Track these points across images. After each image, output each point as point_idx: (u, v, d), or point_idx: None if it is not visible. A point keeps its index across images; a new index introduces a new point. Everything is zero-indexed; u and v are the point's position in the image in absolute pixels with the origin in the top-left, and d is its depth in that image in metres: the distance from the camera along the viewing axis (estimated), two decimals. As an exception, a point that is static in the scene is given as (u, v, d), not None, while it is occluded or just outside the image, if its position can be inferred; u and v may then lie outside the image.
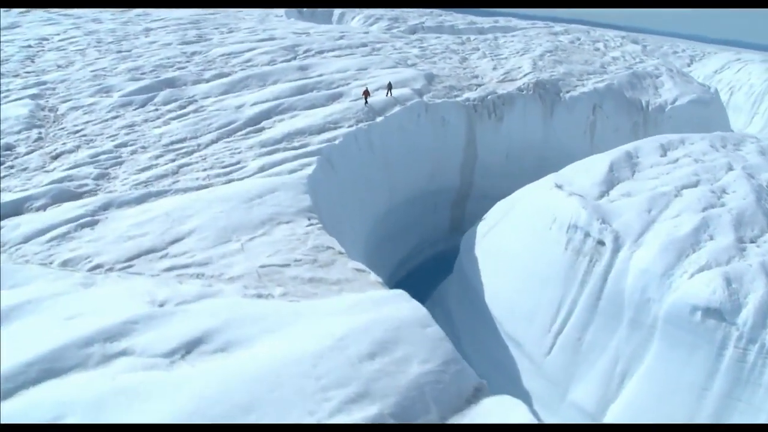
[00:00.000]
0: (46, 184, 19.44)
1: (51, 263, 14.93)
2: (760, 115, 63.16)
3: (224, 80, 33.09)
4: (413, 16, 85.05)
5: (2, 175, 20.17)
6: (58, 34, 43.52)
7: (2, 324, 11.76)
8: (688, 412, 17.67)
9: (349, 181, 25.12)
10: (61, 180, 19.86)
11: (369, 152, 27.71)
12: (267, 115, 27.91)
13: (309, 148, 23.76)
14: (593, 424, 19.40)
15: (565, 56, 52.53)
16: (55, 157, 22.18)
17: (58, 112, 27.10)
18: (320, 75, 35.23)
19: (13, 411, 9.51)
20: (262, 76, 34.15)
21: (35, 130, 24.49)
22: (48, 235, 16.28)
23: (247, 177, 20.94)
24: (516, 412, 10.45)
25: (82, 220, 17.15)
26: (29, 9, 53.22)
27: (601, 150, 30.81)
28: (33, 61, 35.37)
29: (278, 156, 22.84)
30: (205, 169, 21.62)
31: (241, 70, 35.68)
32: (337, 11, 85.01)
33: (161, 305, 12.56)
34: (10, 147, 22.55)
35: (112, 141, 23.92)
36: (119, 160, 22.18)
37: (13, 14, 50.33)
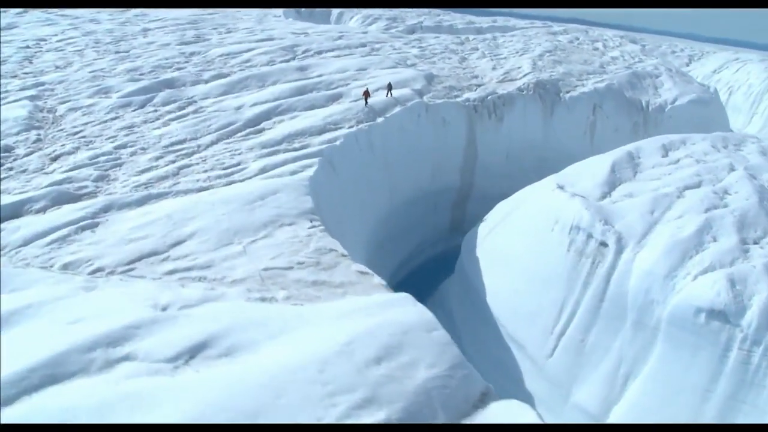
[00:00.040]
0: (46, 186, 19.32)
1: (51, 266, 14.82)
2: (759, 114, 63.17)
3: (223, 81, 32.95)
4: (411, 15, 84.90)
5: (1, 177, 20.05)
6: (56, 35, 43.36)
7: (3, 329, 11.63)
8: (692, 414, 17.61)
9: (350, 182, 25.02)
10: (60, 182, 19.74)
11: (370, 153, 27.60)
12: (267, 116, 27.79)
13: (310, 150, 23.65)
14: (594, 424, 19.32)
15: (564, 56, 52.45)
16: (54, 159, 22.04)
17: (57, 114, 26.96)
18: (320, 75, 35.10)
19: (15, 417, 9.40)
20: (261, 76, 34.01)
21: (34, 132, 24.35)
22: (48, 238, 16.17)
23: (248, 179, 20.84)
24: (524, 417, 10.36)
25: (82, 223, 17.04)
26: (26, 9, 53.00)
27: (601, 150, 30.77)
28: (31, 62, 35.22)
29: (279, 157, 22.73)
30: (205, 171, 21.50)
31: (240, 70, 35.54)
32: (335, 11, 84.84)
33: (164, 309, 12.44)
34: (8, 149, 22.41)
35: (112, 142, 23.79)
36: (119, 161, 22.05)
37: (11, 15, 50.12)
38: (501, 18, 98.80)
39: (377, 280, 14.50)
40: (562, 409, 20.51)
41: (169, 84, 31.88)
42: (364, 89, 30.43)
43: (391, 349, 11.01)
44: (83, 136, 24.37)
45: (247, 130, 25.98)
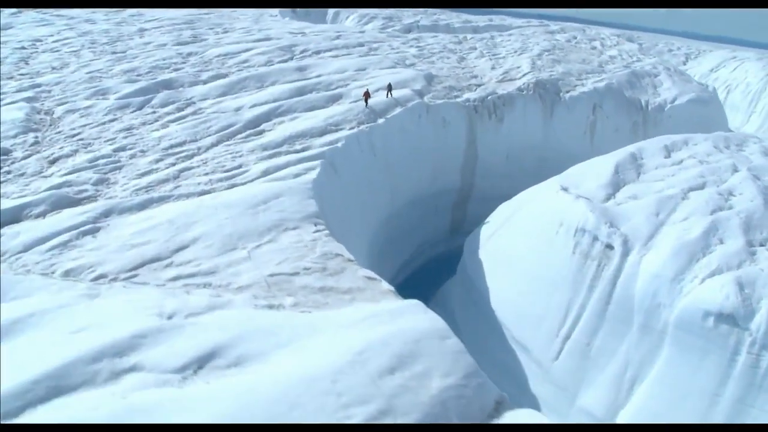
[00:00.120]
0: (45, 190, 18.99)
1: (53, 273, 14.53)
2: (757, 113, 63.17)
3: (222, 81, 32.65)
4: (408, 15, 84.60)
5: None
6: (52, 35, 42.94)
7: (6, 338, 11.36)
8: (700, 418, 17.47)
9: (352, 184, 24.78)
10: (59, 186, 19.42)
11: (371, 155, 27.38)
12: (267, 117, 27.51)
13: (311, 152, 23.40)
14: (596, 424, 19.14)
15: (562, 55, 52.34)
16: (53, 162, 21.73)
17: (54, 116, 26.62)
18: (319, 76, 34.83)
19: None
20: (259, 77, 33.72)
21: (31, 134, 24.01)
22: (48, 244, 15.88)
23: (250, 181, 20.58)
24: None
25: (83, 228, 16.74)
26: (21, 9, 52.53)
27: (601, 150, 30.69)
28: (27, 63, 34.82)
29: (281, 160, 22.47)
30: (206, 174, 21.22)
31: (238, 71, 35.24)
32: (330, 10, 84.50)
33: (170, 318, 12.19)
34: (6, 152, 22.09)
35: (111, 145, 23.48)
36: (118, 164, 21.75)
37: (6, 15, 49.64)
38: (497, 17, 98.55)
39: (385, 285, 14.29)
40: (568, 413, 20.37)
41: (167, 85, 31.56)
42: (365, 90, 30.21)
43: (405, 358, 10.80)
44: (81, 139, 24.04)
45: (248, 132, 25.70)
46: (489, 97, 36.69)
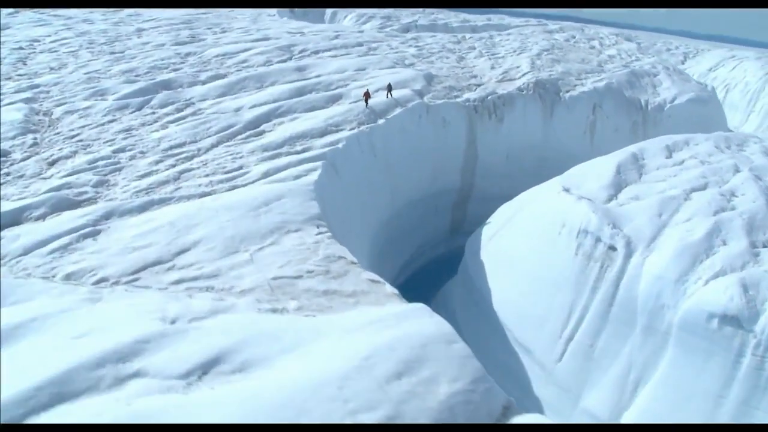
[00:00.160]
0: (44, 192, 18.88)
1: (54, 277, 14.41)
2: (756, 113, 63.12)
3: (221, 82, 32.50)
4: (406, 14, 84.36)
5: (-1, 183, 19.60)
6: (50, 36, 42.76)
7: (7, 344, 11.22)
8: (704, 420, 17.39)
9: (353, 185, 24.67)
10: (59, 188, 19.29)
11: (371, 155, 27.27)
12: (267, 117, 27.38)
13: (312, 153, 23.27)
14: (597, 424, 19.08)
15: (562, 55, 52.25)
16: (52, 164, 21.59)
17: (53, 117, 26.46)
18: (318, 76, 34.69)
19: (24, 440, 9.03)
20: (259, 77, 33.58)
21: (30, 136, 23.86)
22: (49, 247, 15.75)
23: (251, 183, 20.46)
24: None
25: (83, 231, 16.62)
26: (18, 9, 52.29)
27: (601, 150, 30.63)
28: (25, 64, 34.65)
29: (281, 161, 22.34)
30: (207, 175, 21.09)
31: (237, 71, 35.10)
32: (328, 10, 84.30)
33: (173, 322, 12.07)
34: (5, 153, 21.95)
35: (110, 146, 23.34)
36: (118, 166, 21.62)
37: (3, 15, 49.39)
38: (495, 16, 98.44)
39: (389, 289, 14.18)
40: (571, 415, 20.29)
41: (166, 85, 31.41)
42: (365, 90, 30.09)
43: (412, 363, 10.69)
44: (80, 140, 23.90)
45: (248, 133, 25.57)
46: (489, 97, 36.60)
